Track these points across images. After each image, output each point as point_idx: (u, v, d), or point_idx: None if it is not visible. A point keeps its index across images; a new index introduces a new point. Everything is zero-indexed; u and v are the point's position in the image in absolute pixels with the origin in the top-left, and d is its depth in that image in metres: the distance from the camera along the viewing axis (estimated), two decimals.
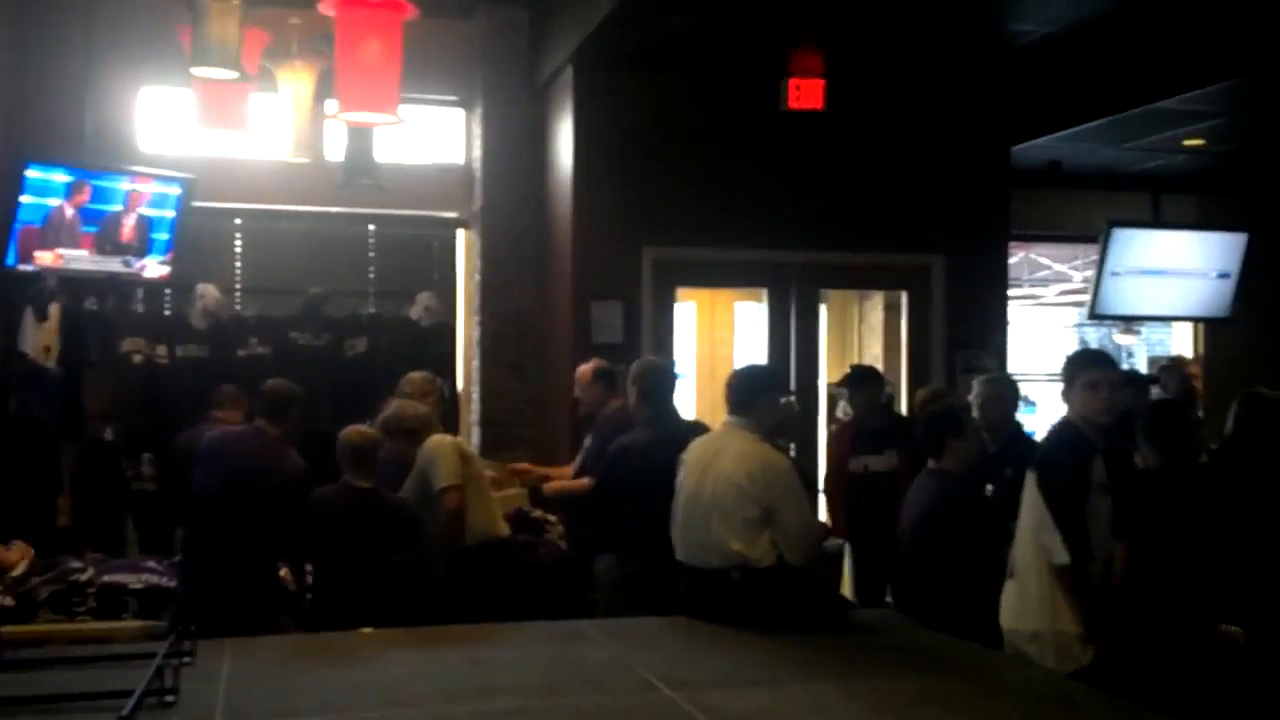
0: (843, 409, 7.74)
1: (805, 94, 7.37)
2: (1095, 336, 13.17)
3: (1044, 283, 11.46)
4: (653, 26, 6.77)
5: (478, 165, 8.52)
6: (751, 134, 7.73)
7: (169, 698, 3.26)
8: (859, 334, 9.64)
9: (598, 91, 7.61)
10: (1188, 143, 8.46)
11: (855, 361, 8.80)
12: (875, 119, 7.95)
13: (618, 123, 7.61)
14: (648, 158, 7.65)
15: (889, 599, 5.86)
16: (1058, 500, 4.04)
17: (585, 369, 6.27)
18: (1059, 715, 3.46)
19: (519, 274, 8.39)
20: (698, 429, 5.29)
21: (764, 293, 8.12)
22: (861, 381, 6.89)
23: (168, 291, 7.95)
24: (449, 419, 7.36)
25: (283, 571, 5.30)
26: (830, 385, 8.33)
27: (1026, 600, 4.14)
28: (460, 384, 8.49)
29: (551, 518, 6.46)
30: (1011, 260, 9.91)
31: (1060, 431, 4.34)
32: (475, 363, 8.46)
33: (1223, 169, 9.49)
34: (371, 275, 8.59)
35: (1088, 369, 4.28)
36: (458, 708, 3.41)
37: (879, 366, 8.84)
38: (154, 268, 7.43)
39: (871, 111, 7.93)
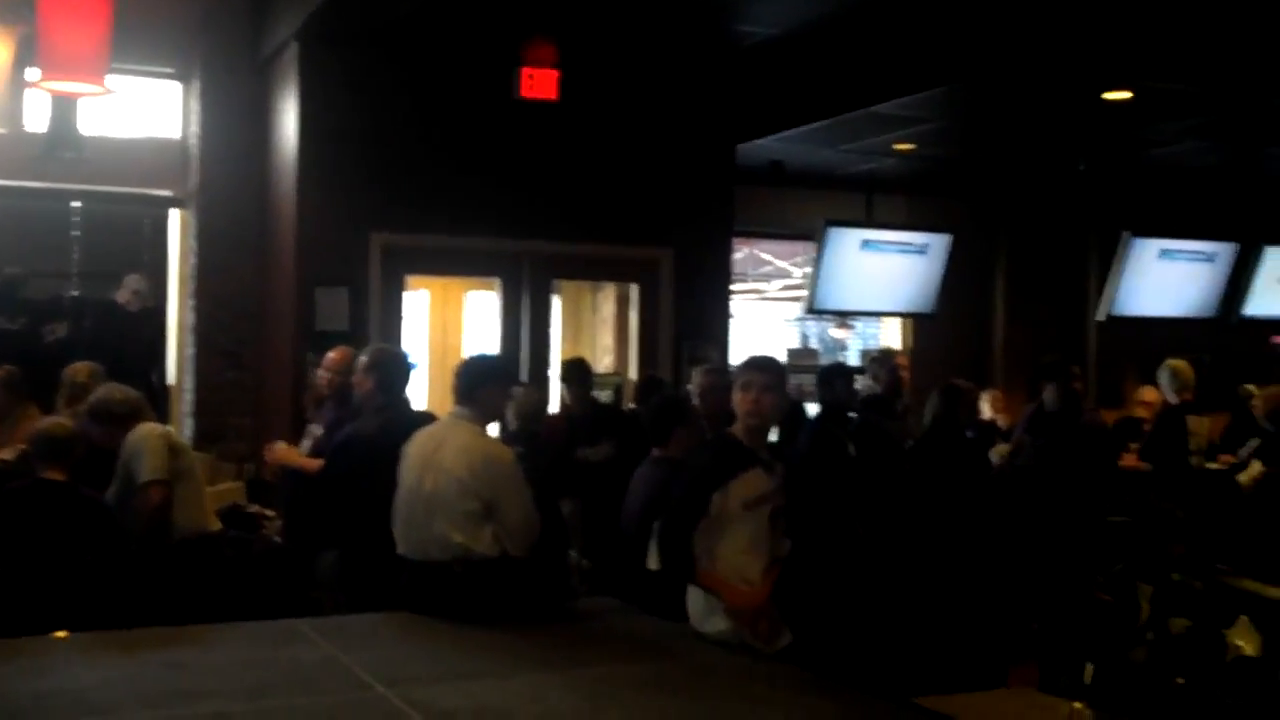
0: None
1: (538, 83, 7.37)
2: (815, 330, 13.73)
3: (767, 278, 11.87)
4: (382, 6, 6.61)
5: (195, 142, 8.11)
6: (485, 121, 7.67)
7: None
8: (592, 325, 9.72)
9: (325, 70, 7.37)
10: (898, 146, 8.92)
11: (589, 352, 8.88)
12: (608, 112, 8.02)
13: (346, 103, 7.40)
14: (377, 140, 7.47)
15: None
16: (666, 516, 4.03)
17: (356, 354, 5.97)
18: (771, 696, 3.57)
19: (238, 257, 8.04)
20: (428, 420, 5.19)
21: (497, 282, 8.08)
22: (573, 373, 6.91)
23: None
24: (159, 409, 6.97)
25: None
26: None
27: (695, 601, 4.19)
28: (172, 373, 8.06)
29: (269, 512, 6.20)
30: (736, 255, 10.22)
31: (706, 449, 4.36)
32: (189, 350, 8.05)
33: (930, 172, 10.08)
34: (75, 256, 8.05)
35: (742, 371, 4.22)
36: (155, 714, 3.22)
37: (610, 357, 8.99)
38: None
39: (604, 104, 8.00)
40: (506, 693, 3.46)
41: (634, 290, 8.46)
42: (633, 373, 8.42)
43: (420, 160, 7.55)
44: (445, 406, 5.30)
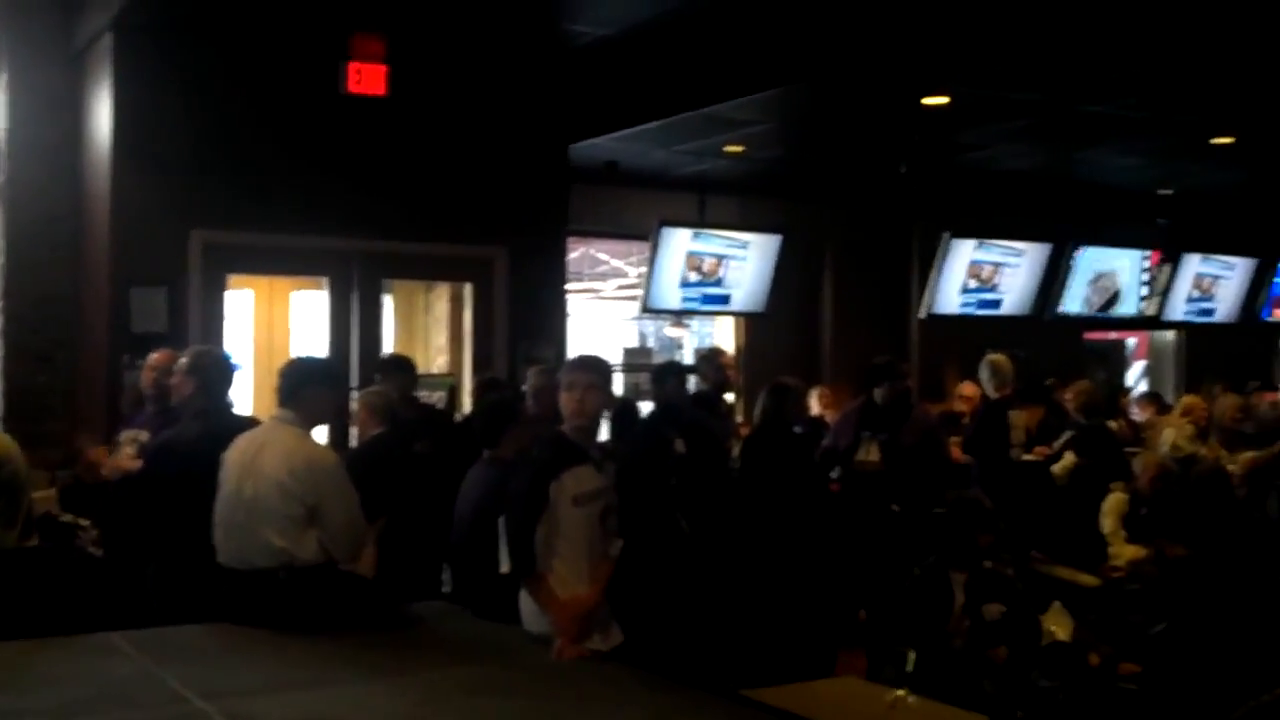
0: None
1: (366, 79, 7.24)
2: (654, 329, 13.82)
3: (603, 277, 11.91)
4: None
5: (1, 134, 7.71)
6: (312, 116, 7.49)
7: None
8: (425, 325, 9.58)
9: (142, 61, 7.09)
10: (729, 148, 9.05)
11: (422, 352, 8.76)
12: (439, 109, 7.92)
13: (164, 95, 7.13)
14: (198, 134, 7.22)
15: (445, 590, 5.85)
16: (508, 514, 4.05)
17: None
18: (602, 695, 3.58)
19: (50, 255, 7.66)
20: (251, 425, 5.04)
21: (325, 281, 7.89)
22: (393, 370, 6.74)
23: None
24: None
25: None
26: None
27: (527, 602, 4.19)
28: None
29: (84, 522, 5.93)
30: (572, 255, 10.22)
31: (539, 445, 4.35)
32: None
33: (761, 173, 10.25)
34: None
35: (567, 372, 4.25)
36: None
37: (444, 358, 8.87)
38: None
39: (435, 101, 7.90)
40: (332, 702, 3.38)
41: (468, 290, 8.37)
42: (467, 373, 8.33)
43: (244, 155, 7.33)
44: (271, 410, 5.16)
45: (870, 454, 6.85)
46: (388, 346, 8.30)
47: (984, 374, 8.12)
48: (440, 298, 9.09)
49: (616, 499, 4.26)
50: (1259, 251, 13.42)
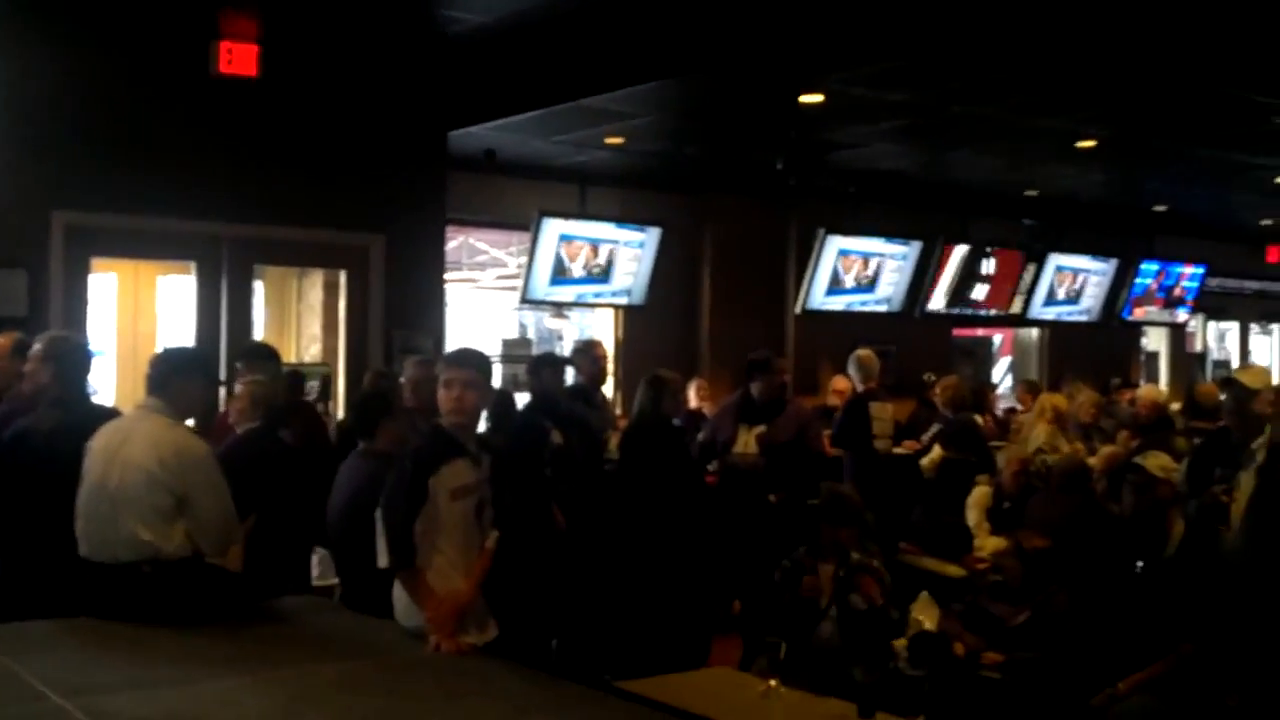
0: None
1: (237, 59, 7.07)
2: (534, 320, 13.74)
3: (482, 267, 11.81)
4: None
5: None
6: (180, 97, 7.28)
7: None
8: (297, 313, 9.39)
9: (3, 38, 6.81)
10: (610, 140, 9.05)
11: (294, 341, 8.59)
12: (314, 92, 7.77)
13: (23, 71, 6.86)
14: (60, 113, 6.98)
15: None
16: (386, 507, 4.00)
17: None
18: (475, 689, 3.55)
19: None
20: (113, 415, 4.87)
21: (192, 266, 7.69)
22: (258, 359, 6.58)
23: None
24: None
25: None
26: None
27: (400, 596, 4.15)
28: None
29: None
30: (451, 244, 10.12)
31: (419, 438, 4.33)
32: None
33: (642, 166, 10.28)
34: None
35: (444, 369, 4.18)
36: None
37: (318, 346, 8.71)
38: None
39: (310, 84, 7.75)
40: (197, 699, 3.29)
41: (343, 277, 8.24)
42: (342, 363, 8.20)
43: (109, 135, 7.10)
44: (136, 399, 5.01)
45: (748, 446, 6.93)
46: (258, 334, 8.13)
47: (851, 368, 8.30)
48: (314, 285, 8.92)
49: (491, 492, 4.23)
50: (1120, 253, 13.92)
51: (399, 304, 8.18)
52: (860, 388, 8.22)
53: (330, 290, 8.64)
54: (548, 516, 6.13)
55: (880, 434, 8.11)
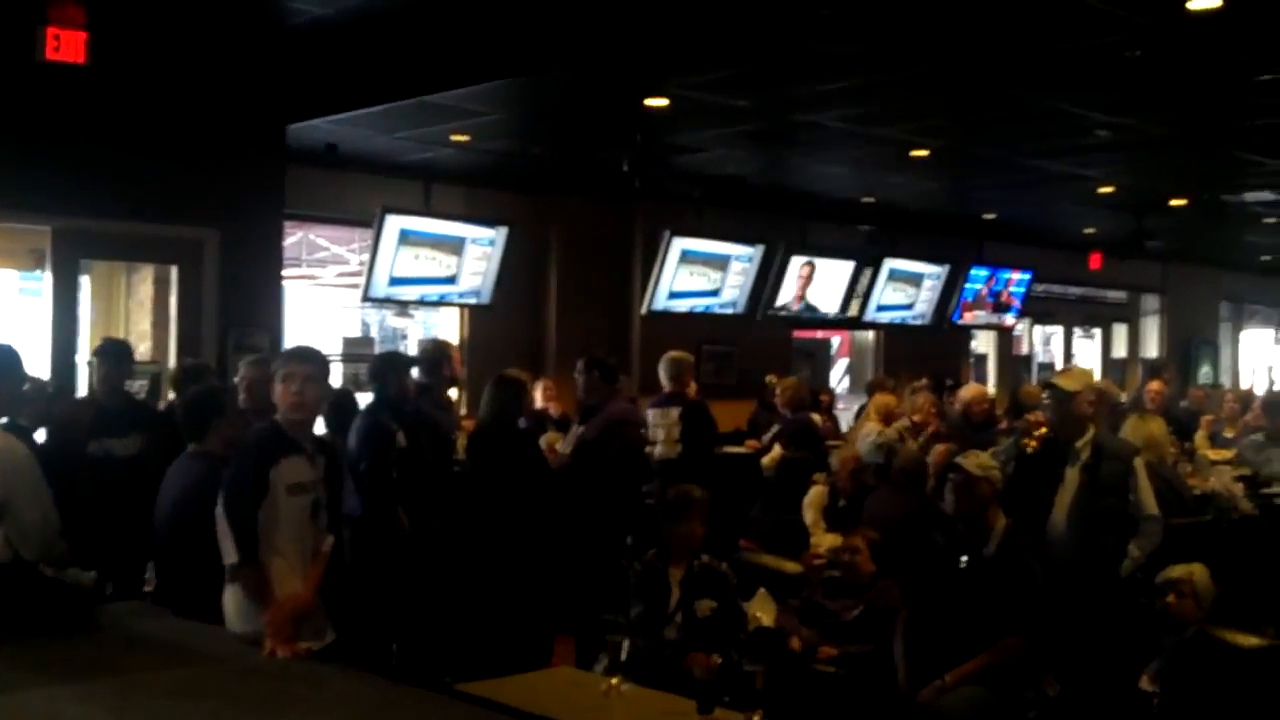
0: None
1: (65, 46, 6.78)
2: (377, 318, 13.55)
3: (322, 263, 11.59)
4: None
5: None
6: (4, 84, 6.94)
7: None
8: (126, 309, 9.05)
9: None
10: (455, 137, 8.97)
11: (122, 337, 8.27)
12: (147, 81, 7.52)
13: None
14: None
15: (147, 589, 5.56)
16: (229, 500, 3.96)
17: None
18: (311, 695, 3.48)
19: None
20: None
21: (14, 261, 7.35)
22: (108, 358, 6.35)
23: None
24: None
25: None
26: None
27: (231, 600, 4.06)
28: None
29: None
30: (290, 240, 9.91)
31: (255, 432, 4.26)
32: None
33: (488, 164, 10.21)
34: None
35: (283, 363, 4.16)
36: None
37: (148, 344, 8.42)
38: None
39: (143, 73, 7.49)
40: (17, 709, 3.15)
41: (174, 273, 7.98)
42: (172, 361, 7.93)
43: None
44: None
45: (561, 447, 7.02)
46: (84, 331, 7.82)
47: (660, 369, 8.22)
48: (144, 280, 8.62)
49: (326, 494, 4.17)
50: (952, 259, 14.41)
51: (234, 301, 7.96)
52: (667, 388, 8.15)
53: (161, 286, 8.36)
54: (392, 519, 6.04)
55: (656, 439, 7.99)
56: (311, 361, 4.13)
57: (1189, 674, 4.39)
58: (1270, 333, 20.73)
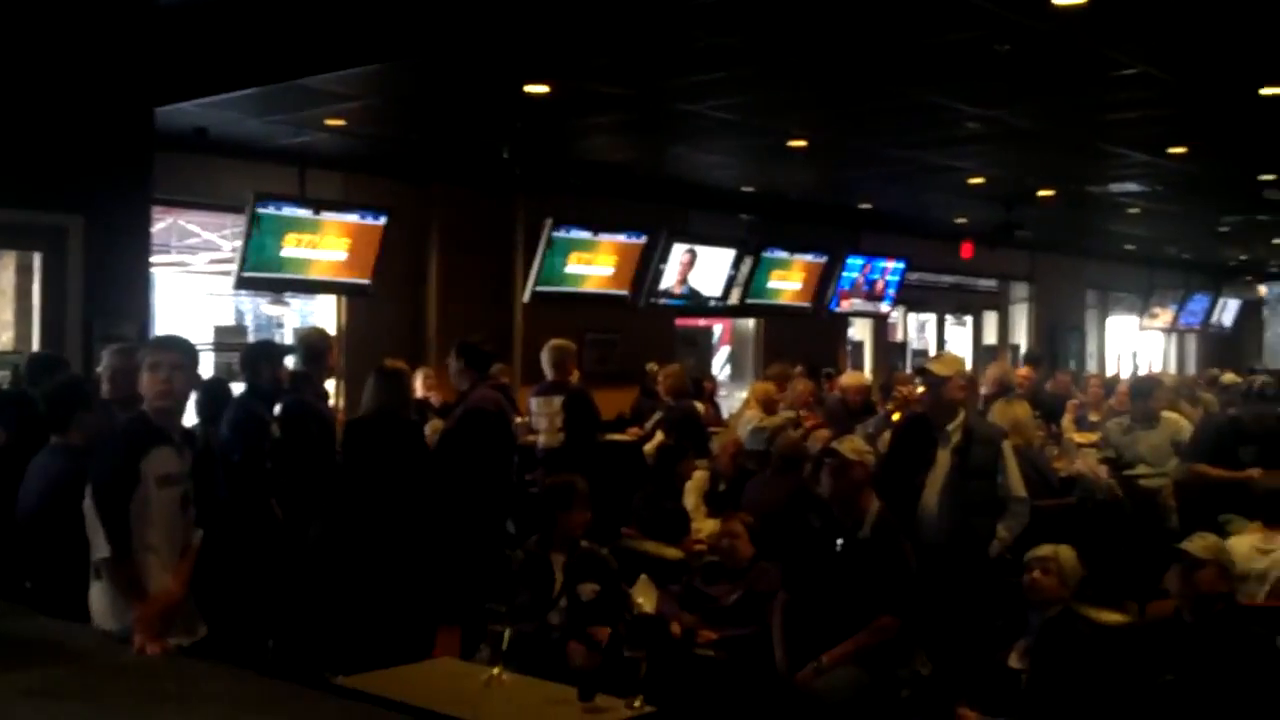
0: None
1: None
2: (251, 306, 13.25)
3: (193, 250, 11.30)
4: None
5: None
6: None
7: None
8: None
9: None
10: (330, 121, 8.80)
11: None
12: (6, 61, 7.22)
13: None
14: None
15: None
16: (99, 493, 3.87)
17: None
18: (183, 692, 3.41)
19: None
20: None
21: None
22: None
23: None
24: None
25: None
26: None
27: (99, 597, 3.97)
28: None
29: None
30: (159, 225, 9.63)
31: (123, 422, 4.20)
32: None
33: (366, 149, 10.05)
34: None
35: (150, 351, 4.10)
36: None
37: (9, 334, 8.11)
38: None
39: (2, 52, 7.19)
40: None
41: (37, 260, 7.70)
42: (36, 350, 7.66)
43: None
44: None
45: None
46: None
47: (543, 357, 8.26)
48: (6, 268, 8.30)
49: (193, 486, 4.09)
50: (829, 248, 14.63)
51: (100, 289, 7.70)
52: (549, 376, 8.19)
53: (24, 273, 8.06)
54: (266, 511, 5.93)
55: (539, 428, 8.13)
56: (179, 350, 4.05)
57: (1055, 651, 4.53)
58: (1134, 319, 21.49)
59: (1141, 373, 18.51)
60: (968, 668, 4.77)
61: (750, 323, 15.03)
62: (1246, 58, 7.11)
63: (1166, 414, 8.59)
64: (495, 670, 4.17)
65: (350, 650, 5.58)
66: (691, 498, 7.28)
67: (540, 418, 8.17)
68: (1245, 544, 5.42)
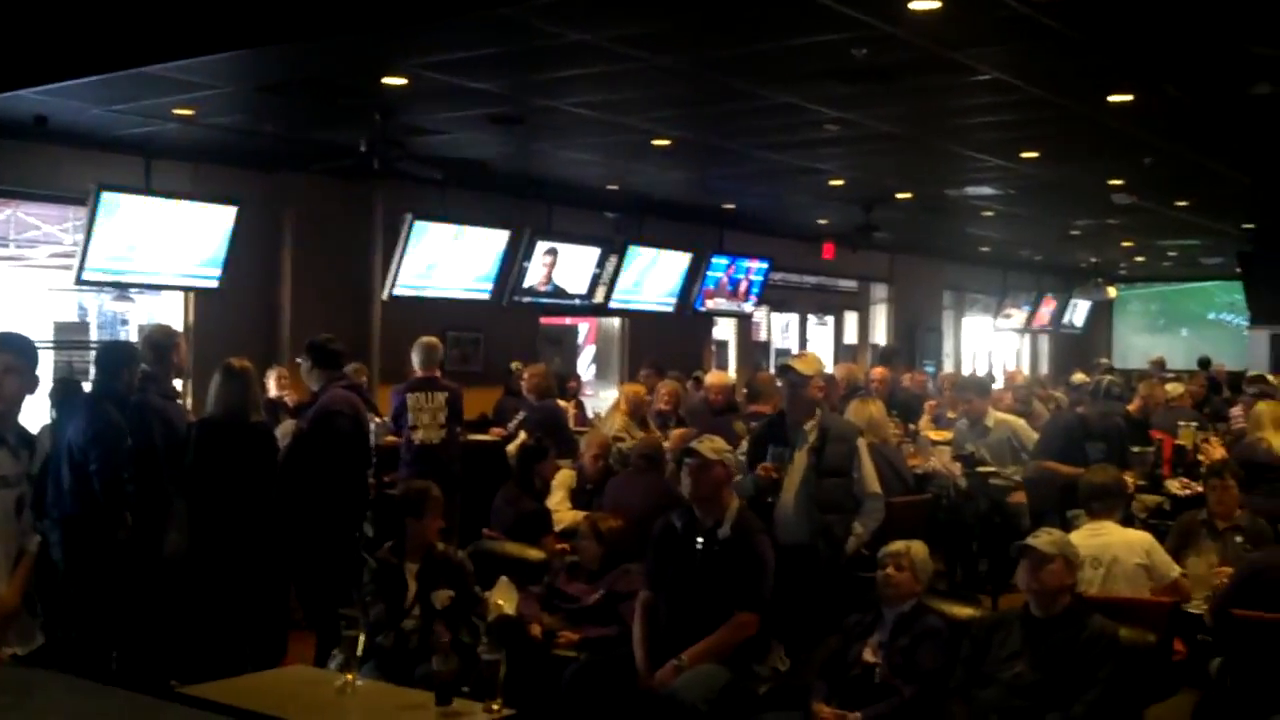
0: None
1: None
2: (95, 303, 12.77)
3: (33, 244, 10.82)
4: None
5: None
6: None
7: None
8: None
9: None
10: (178, 111, 8.50)
11: None
12: None
13: None
14: None
15: None
16: None
17: None
18: (15, 703, 3.23)
19: None
20: None
21: None
22: None
23: None
24: None
25: None
26: None
27: None
28: None
29: None
30: None
31: None
32: None
33: (216, 140, 9.73)
34: None
35: None
36: None
37: None
38: None
39: None
40: None
41: None
42: None
43: None
44: None
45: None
46: None
47: (413, 354, 8.45)
48: None
49: (31, 491, 3.89)
50: (694, 247, 14.70)
51: None
52: (420, 373, 8.35)
53: None
54: (119, 520, 5.70)
55: (419, 424, 8.19)
56: (10, 350, 3.85)
57: (907, 644, 4.61)
58: (989, 320, 22.14)
59: (995, 372, 19.14)
60: (824, 663, 4.82)
61: (616, 322, 15.03)
62: (1095, 66, 7.36)
63: (1000, 415, 8.92)
64: (349, 676, 4.08)
65: (199, 658, 5.42)
66: (558, 492, 7.26)
67: (421, 413, 8.21)
68: (1080, 535, 5.59)
